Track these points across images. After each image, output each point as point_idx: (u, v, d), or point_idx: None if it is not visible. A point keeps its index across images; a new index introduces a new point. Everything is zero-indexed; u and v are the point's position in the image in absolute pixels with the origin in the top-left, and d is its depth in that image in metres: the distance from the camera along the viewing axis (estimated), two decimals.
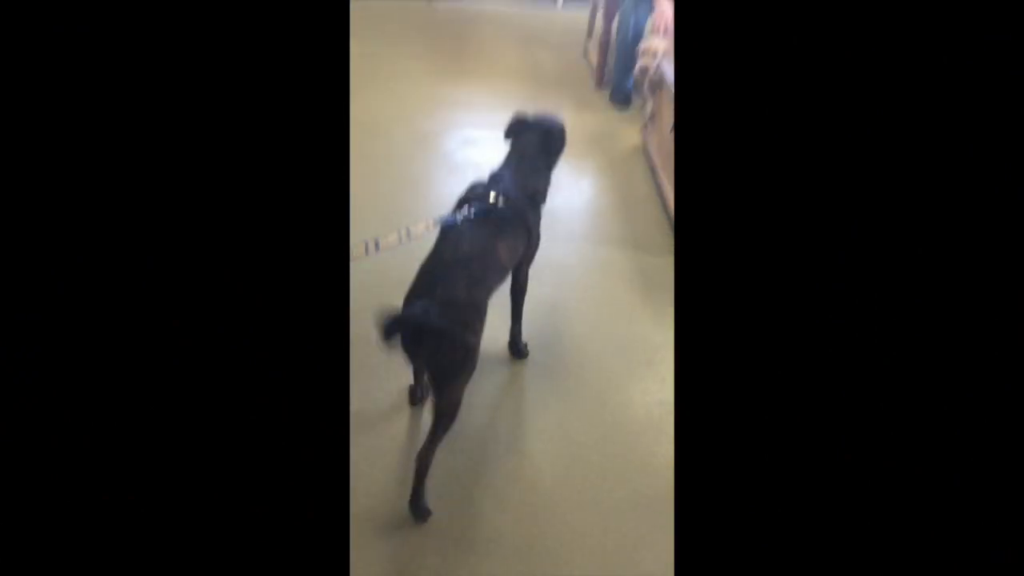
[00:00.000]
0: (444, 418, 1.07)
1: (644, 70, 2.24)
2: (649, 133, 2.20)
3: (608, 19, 2.57)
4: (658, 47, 2.22)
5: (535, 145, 1.29)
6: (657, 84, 2.08)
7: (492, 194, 1.16)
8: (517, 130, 1.32)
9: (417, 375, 1.27)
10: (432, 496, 1.08)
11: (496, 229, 1.15)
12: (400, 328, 0.95)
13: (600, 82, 2.69)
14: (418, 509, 1.08)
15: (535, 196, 1.27)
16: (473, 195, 1.19)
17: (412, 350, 1.04)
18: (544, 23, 3.40)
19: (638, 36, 2.44)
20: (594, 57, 2.84)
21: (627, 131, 2.38)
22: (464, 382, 1.09)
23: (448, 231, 1.13)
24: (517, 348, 1.45)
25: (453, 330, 1.00)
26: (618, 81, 2.54)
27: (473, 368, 1.09)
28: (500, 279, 1.19)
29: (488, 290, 1.12)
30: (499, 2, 3.59)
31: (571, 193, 2.00)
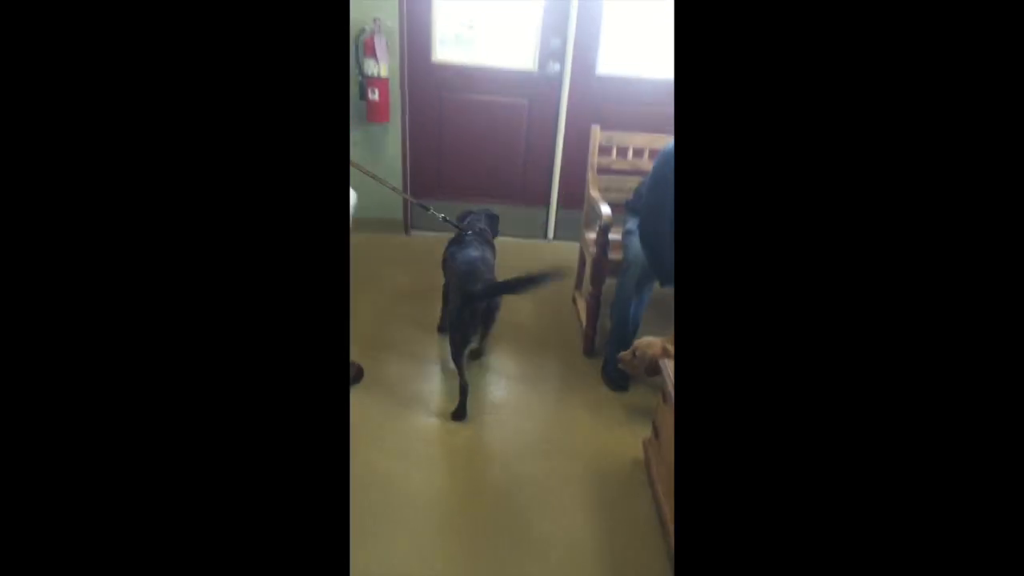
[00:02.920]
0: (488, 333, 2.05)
1: (630, 361, 1.83)
2: (652, 448, 1.72)
3: (596, 282, 2.22)
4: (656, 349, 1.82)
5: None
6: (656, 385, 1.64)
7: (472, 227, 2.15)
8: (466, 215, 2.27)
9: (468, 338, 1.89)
10: None
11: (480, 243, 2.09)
12: (479, 297, 1.81)
13: (588, 350, 2.29)
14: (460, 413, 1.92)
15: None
16: (464, 221, 2.22)
17: (476, 310, 1.82)
18: (531, 258, 3.12)
19: (638, 322, 2.07)
20: (583, 310, 2.48)
21: (623, 429, 1.91)
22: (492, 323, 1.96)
23: (462, 245, 2.05)
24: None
25: (493, 297, 1.87)
26: (612, 359, 2.13)
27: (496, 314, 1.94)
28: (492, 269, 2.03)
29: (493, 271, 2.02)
30: None
31: (557, 518, 1.48)
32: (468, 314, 1.79)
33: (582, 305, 2.56)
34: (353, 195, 1.83)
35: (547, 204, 3.21)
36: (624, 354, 1.88)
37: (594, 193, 2.34)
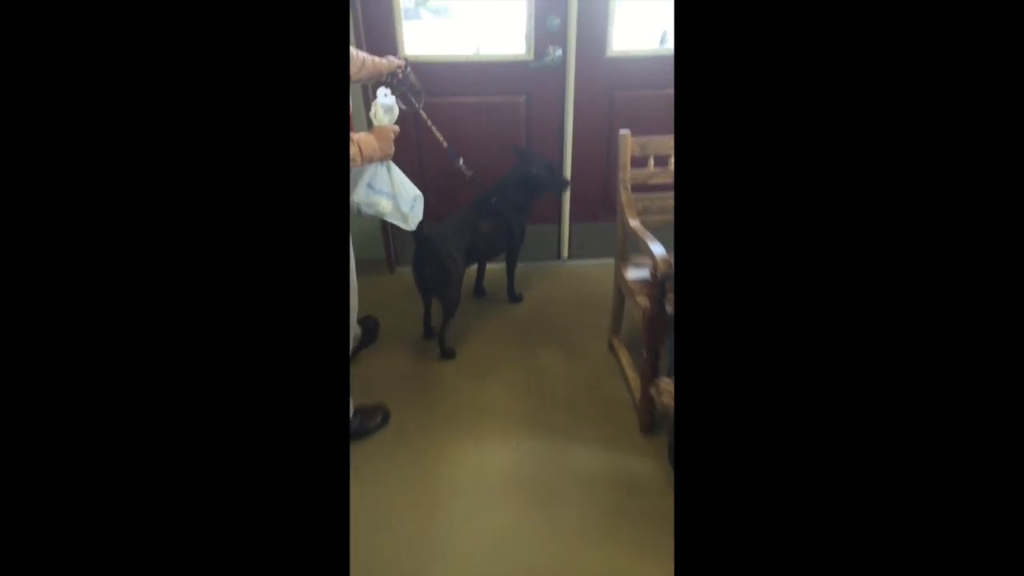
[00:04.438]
0: (449, 307, 2.05)
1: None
2: None
3: (652, 346, 1.68)
4: None
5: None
6: None
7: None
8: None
9: (427, 306, 2.18)
10: None
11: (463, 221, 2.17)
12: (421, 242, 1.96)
13: (648, 426, 1.78)
14: (444, 349, 2.09)
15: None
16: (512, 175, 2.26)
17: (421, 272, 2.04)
18: (550, 285, 2.58)
19: None
20: (627, 366, 1.97)
21: None
22: (453, 289, 2.04)
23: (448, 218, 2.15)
24: (513, 295, 2.43)
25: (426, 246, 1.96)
26: None
27: (457, 283, 2.05)
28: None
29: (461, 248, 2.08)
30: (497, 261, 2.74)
31: None
32: (417, 265, 2.05)
33: (624, 355, 2.04)
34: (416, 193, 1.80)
35: (558, 220, 2.66)
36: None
37: (633, 223, 1.79)
